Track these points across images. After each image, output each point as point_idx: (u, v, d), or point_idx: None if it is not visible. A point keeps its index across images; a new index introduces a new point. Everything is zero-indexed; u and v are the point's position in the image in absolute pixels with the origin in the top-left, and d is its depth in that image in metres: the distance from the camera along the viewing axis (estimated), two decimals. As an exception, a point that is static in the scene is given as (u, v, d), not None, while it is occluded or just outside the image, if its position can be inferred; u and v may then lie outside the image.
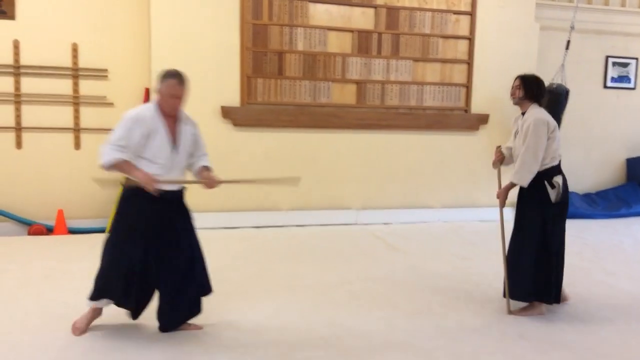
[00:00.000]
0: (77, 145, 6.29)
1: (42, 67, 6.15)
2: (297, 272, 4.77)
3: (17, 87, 6.11)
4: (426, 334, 3.51)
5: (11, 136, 6.13)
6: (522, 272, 3.82)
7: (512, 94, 3.91)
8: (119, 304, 3.40)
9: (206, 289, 3.53)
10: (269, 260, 5.18)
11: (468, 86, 7.22)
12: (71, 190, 6.32)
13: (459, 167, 7.33)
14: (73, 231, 6.21)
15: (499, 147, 4.18)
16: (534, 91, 3.84)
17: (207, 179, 3.45)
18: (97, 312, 3.45)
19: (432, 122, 7.13)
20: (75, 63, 6.27)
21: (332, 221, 6.78)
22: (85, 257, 4.95)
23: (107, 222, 6.31)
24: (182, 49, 6.24)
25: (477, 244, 6.06)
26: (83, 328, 3.39)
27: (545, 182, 3.76)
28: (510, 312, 3.90)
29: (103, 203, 6.33)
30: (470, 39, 7.17)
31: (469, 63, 7.20)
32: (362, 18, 6.80)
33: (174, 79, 3.27)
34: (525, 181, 3.77)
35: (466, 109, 7.25)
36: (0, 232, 6.05)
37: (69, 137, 6.31)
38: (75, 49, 6.26)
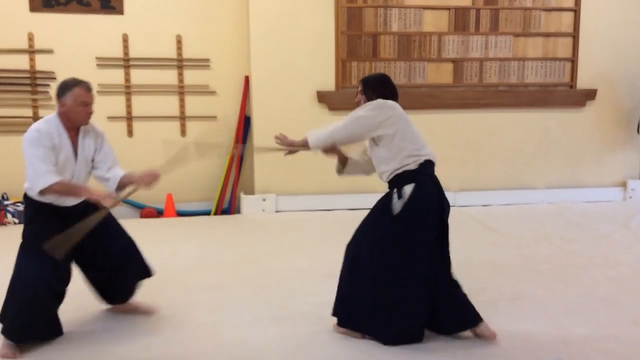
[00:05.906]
0: (183, 132, 6.61)
1: (149, 59, 6.49)
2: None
3: (127, 78, 6.51)
4: (531, 319, 3.42)
5: (123, 125, 6.54)
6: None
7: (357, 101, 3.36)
8: None
9: (145, 270, 3.59)
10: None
11: (573, 60, 6.85)
12: (179, 175, 6.58)
13: (564, 145, 6.98)
14: (181, 214, 6.56)
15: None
16: (375, 92, 3.38)
17: (147, 176, 3.39)
18: None
19: (534, 99, 6.85)
20: (179, 54, 6.57)
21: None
22: (193, 237, 5.41)
23: (212, 205, 6.63)
24: (279, 36, 6.38)
25: (584, 226, 5.78)
26: None
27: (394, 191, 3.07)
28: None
29: (208, 187, 6.67)
30: (576, 11, 6.78)
31: (574, 36, 6.82)
32: (459, -5, 6.63)
33: (81, 87, 3.06)
34: (316, 143, 3.16)
35: (571, 85, 6.89)
36: (115, 215, 6.46)
37: (176, 124, 6.64)
38: (179, 41, 6.56)
